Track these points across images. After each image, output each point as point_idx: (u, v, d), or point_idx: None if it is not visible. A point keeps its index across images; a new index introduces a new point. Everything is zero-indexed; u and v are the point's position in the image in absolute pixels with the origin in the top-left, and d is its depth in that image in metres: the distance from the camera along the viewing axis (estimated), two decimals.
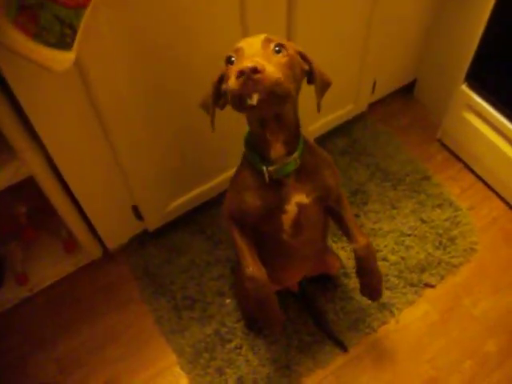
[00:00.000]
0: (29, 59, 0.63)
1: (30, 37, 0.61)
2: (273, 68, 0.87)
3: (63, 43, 0.65)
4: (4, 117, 1.18)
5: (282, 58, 0.91)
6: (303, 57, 1.00)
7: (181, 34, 1.21)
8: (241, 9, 1.28)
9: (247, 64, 0.83)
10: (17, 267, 1.69)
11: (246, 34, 1.30)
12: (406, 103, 2.15)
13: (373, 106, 2.05)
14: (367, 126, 2.06)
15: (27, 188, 1.44)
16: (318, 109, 1.04)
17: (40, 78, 1.01)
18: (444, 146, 2.01)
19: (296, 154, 1.06)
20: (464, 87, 1.78)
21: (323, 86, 1.05)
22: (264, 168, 1.06)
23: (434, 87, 2.05)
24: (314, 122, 1.82)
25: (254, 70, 0.84)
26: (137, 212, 1.62)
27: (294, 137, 1.06)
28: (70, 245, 1.71)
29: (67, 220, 1.56)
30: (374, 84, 1.91)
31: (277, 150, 1.05)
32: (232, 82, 0.87)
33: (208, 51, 1.26)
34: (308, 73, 1.02)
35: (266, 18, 1.34)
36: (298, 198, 1.11)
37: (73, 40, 0.66)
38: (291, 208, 1.12)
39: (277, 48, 0.92)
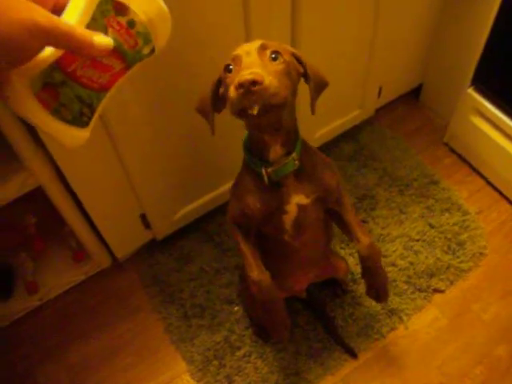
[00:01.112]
0: (44, 130, 0.64)
1: (49, 111, 0.62)
2: (271, 79, 0.87)
3: (80, 121, 0.66)
4: (10, 126, 1.19)
5: (278, 66, 0.92)
6: (298, 58, 1.01)
7: (186, 43, 1.22)
8: (245, 18, 1.28)
9: (247, 77, 0.85)
10: (27, 277, 1.70)
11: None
12: (412, 108, 2.15)
13: (380, 111, 2.05)
14: (374, 131, 2.06)
15: (37, 198, 1.45)
16: (313, 111, 1.05)
17: None
18: (451, 149, 2.01)
19: (294, 155, 1.07)
20: (470, 91, 1.78)
21: (319, 87, 1.06)
22: (263, 170, 1.07)
23: (441, 91, 2.05)
24: (322, 127, 1.82)
25: (254, 83, 0.85)
26: (145, 221, 1.63)
27: (292, 138, 1.07)
28: (80, 254, 1.72)
29: (76, 230, 1.57)
30: (380, 89, 1.91)
31: (275, 151, 1.06)
32: (232, 94, 0.88)
33: (213, 61, 1.27)
34: (304, 74, 1.02)
35: (270, 26, 1.34)
36: (298, 199, 1.12)
37: (89, 119, 0.67)
38: (291, 209, 1.13)
39: (273, 55, 0.92)
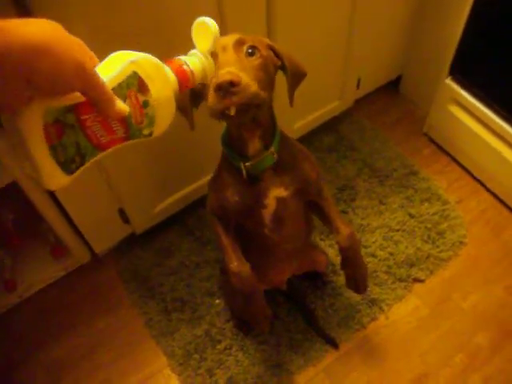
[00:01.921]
0: (32, 161, 0.65)
1: (48, 145, 0.64)
2: (248, 78, 0.87)
3: (68, 167, 0.68)
4: None
5: (255, 61, 0.91)
6: (274, 51, 1.00)
7: (153, 28, 1.20)
8: (219, 10, 1.27)
9: (225, 78, 0.84)
10: (5, 274, 1.68)
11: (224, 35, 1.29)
12: (392, 99, 2.15)
13: (359, 102, 2.05)
14: (354, 122, 2.06)
15: (13, 194, 1.43)
16: (291, 102, 1.04)
17: None
18: (431, 140, 2.02)
19: (273, 149, 1.06)
20: (448, 81, 1.78)
21: (297, 77, 1.05)
22: (241, 164, 1.06)
23: (420, 82, 2.06)
24: (301, 119, 1.82)
25: (232, 84, 0.85)
26: (123, 215, 1.61)
27: (270, 131, 1.07)
28: (58, 250, 1.71)
29: (54, 225, 1.56)
30: (359, 80, 1.91)
31: (254, 145, 1.05)
32: (211, 99, 0.88)
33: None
34: (281, 67, 1.01)
35: (245, 18, 1.34)
36: (277, 192, 1.12)
37: (76, 169, 0.69)
38: (270, 202, 1.12)
39: (249, 50, 0.92)
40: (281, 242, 1.25)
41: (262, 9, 1.37)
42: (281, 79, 1.02)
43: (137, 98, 0.69)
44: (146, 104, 0.71)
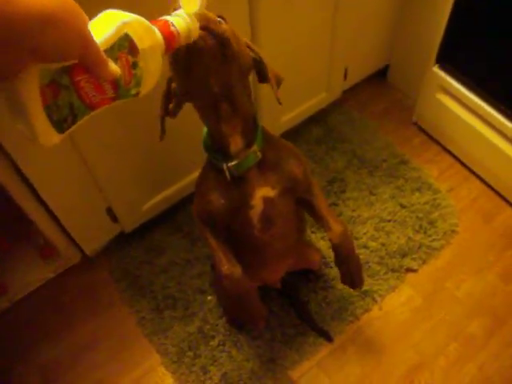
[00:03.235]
0: (27, 120, 0.66)
1: (44, 104, 0.66)
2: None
3: (60, 126, 0.70)
4: None
5: (223, 25, 0.87)
6: (250, 47, 0.98)
7: None
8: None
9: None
10: None
11: None
12: (380, 89, 2.14)
13: (347, 93, 2.04)
14: (342, 113, 2.05)
15: (0, 197, 1.42)
16: (278, 101, 1.02)
17: None
18: (420, 129, 2.01)
19: (255, 147, 1.04)
20: (435, 69, 1.77)
21: (277, 80, 1.03)
22: (224, 165, 1.04)
23: (407, 71, 2.05)
24: (288, 112, 1.81)
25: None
26: (112, 214, 1.60)
27: (251, 127, 1.04)
28: (48, 251, 1.69)
29: (41, 227, 1.54)
30: (346, 71, 1.90)
31: (236, 142, 1.03)
32: None
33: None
34: (256, 65, 0.99)
35: (227, 10, 1.32)
36: (263, 192, 1.10)
37: (68, 128, 0.71)
38: (257, 203, 1.10)
39: (218, 19, 0.87)
40: (272, 242, 1.23)
41: (244, 4, 1.35)
42: None
43: (127, 60, 0.71)
44: (135, 65, 0.72)
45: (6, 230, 1.70)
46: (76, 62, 0.64)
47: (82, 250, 1.69)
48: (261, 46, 1.43)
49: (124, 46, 0.70)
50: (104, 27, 0.68)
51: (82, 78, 0.67)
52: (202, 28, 0.82)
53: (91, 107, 0.71)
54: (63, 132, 0.71)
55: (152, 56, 0.73)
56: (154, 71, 0.75)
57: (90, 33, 0.62)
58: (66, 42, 0.58)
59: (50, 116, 0.67)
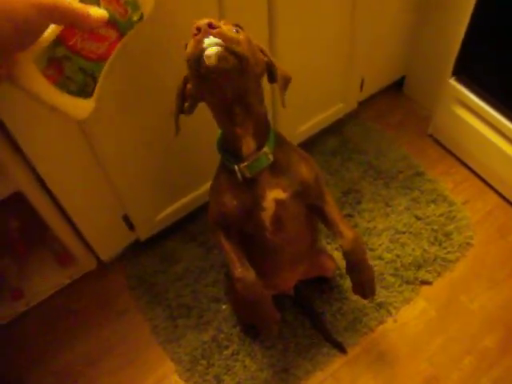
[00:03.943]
0: (52, 106, 0.67)
1: (56, 85, 0.65)
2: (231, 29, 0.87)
3: (84, 92, 0.69)
4: None
5: (241, 35, 0.89)
6: (262, 51, 1.00)
7: (157, 43, 1.20)
8: (219, 11, 1.27)
9: (204, 21, 0.83)
10: (12, 282, 1.68)
11: None
12: (396, 100, 2.14)
13: (363, 104, 2.04)
14: (358, 124, 2.05)
15: (19, 202, 1.43)
16: (283, 103, 1.04)
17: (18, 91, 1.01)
18: (436, 141, 2.00)
19: (267, 149, 1.05)
20: (452, 81, 1.77)
21: (285, 81, 1.05)
22: (236, 166, 1.06)
23: (424, 82, 2.05)
24: (304, 122, 1.81)
25: (211, 25, 0.83)
26: (128, 222, 1.61)
27: (263, 130, 1.06)
28: (64, 258, 1.71)
29: (59, 233, 1.56)
30: (363, 82, 1.90)
31: (248, 144, 1.04)
32: (190, 45, 0.86)
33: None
34: (267, 68, 1.01)
35: (246, 19, 1.32)
36: (275, 194, 1.10)
37: (93, 89, 0.71)
38: (269, 205, 1.11)
39: (234, 29, 0.89)
40: (284, 246, 1.23)
41: (263, 10, 1.36)
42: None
43: None
44: None
45: (24, 235, 1.71)
46: (60, 29, 0.63)
47: (97, 257, 1.71)
48: (278, 56, 1.44)
49: None
50: None
51: (75, 39, 0.65)
52: (224, 48, 0.84)
53: (102, 58, 0.69)
54: (92, 95, 0.70)
55: None
56: None
57: None
58: (24, 23, 0.55)
59: (68, 90, 0.67)
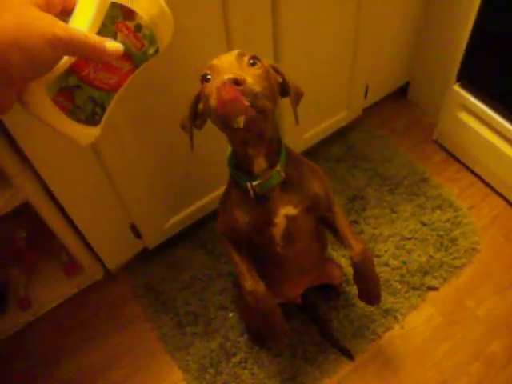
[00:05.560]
0: (59, 132, 0.69)
1: (66, 113, 0.66)
2: (252, 80, 0.85)
3: (93, 120, 0.70)
4: None
5: (257, 70, 0.89)
6: (276, 70, 0.99)
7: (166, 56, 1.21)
8: (225, 24, 1.28)
9: (229, 76, 0.81)
10: (19, 292, 1.69)
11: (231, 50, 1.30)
12: (400, 106, 2.15)
13: (367, 110, 2.04)
14: (363, 131, 2.06)
15: (26, 212, 1.44)
16: (297, 120, 1.04)
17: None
18: (441, 146, 2.01)
19: (279, 167, 1.05)
20: (456, 87, 1.78)
21: (297, 95, 1.05)
22: (248, 184, 1.05)
23: (428, 88, 2.05)
24: (309, 130, 1.82)
25: (236, 82, 0.81)
26: (135, 230, 1.62)
27: (275, 148, 1.05)
28: (71, 267, 1.72)
29: (66, 243, 1.56)
30: (367, 89, 1.91)
31: (259, 163, 1.03)
32: (213, 101, 0.85)
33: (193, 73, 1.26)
34: (281, 86, 1.01)
35: (251, 28, 1.34)
36: (286, 210, 1.11)
37: (101, 117, 0.72)
38: (280, 221, 1.12)
39: (251, 61, 0.90)
40: (294, 258, 1.24)
41: (267, 22, 1.37)
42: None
43: (127, 27, 0.67)
44: (138, 27, 0.68)
45: (32, 245, 1.72)
46: (73, 61, 0.63)
47: (104, 266, 1.71)
48: (283, 64, 1.45)
49: (116, 15, 0.66)
50: (86, 10, 0.64)
51: (88, 70, 0.65)
52: (250, 103, 0.84)
53: (113, 89, 0.70)
54: (99, 123, 0.71)
55: (153, 8, 0.69)
56: (163, 22, 0.71)
57: (65, 29, 0.59)
58: (38, 55, 0.57)
59: (77, 118, 0.68)
